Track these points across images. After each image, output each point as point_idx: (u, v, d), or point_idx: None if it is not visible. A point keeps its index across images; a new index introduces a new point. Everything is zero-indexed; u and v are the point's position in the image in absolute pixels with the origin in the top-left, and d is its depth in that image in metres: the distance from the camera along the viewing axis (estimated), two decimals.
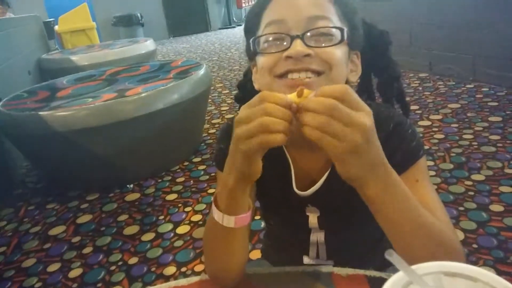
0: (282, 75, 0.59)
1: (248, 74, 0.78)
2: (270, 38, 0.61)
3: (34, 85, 3.17)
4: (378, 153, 0.47)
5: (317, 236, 0.73)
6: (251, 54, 0.67)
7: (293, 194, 0.69)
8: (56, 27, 5.58)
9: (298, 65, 0.57)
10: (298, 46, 0.57)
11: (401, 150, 0.61)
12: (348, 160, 0.46)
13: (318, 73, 0.58)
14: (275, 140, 0.46)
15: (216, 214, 0.56)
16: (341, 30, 0.59)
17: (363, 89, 0.79)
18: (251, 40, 0.63)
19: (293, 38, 0.58)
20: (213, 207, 0.57)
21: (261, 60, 0.62)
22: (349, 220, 0.71)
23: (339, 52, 0.60)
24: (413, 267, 0.36)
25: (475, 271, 0.36)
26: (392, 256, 0.35)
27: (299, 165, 0.69)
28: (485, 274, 0.35)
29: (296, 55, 0.57)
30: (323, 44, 0.58)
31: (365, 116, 0.45)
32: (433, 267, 0.37)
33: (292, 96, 0.47)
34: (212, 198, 0.58)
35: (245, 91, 0.79)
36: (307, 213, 0.71)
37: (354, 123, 0.44)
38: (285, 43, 0.59)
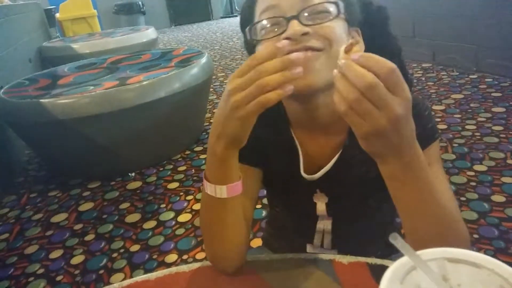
0: None
1: None
2: (266, 24, 0.61)
3: (35, 73, 3.15)
4: (407, 139, 0.45)
5: (324, 224, 0.73)
6: (250, 47, 0.67)
7: (301, 179, 0.69)
8: (57, 15, 5.54)
9: (298, 45, 0.57)
10: (295, 26, 0.57)
11: (416, 132, 0.60)
12: (371, 140, 0.45)
13: (318, 50, 0.57)
14: (275, 97, 0.46)
15: (208, 187, 0.56)
16: (336, 3, 0.59)
17: None
18: (247, 29, 0.62)
19: (289, 19, 0.58)
20: (204, 181, 0.57)
21: (260, 48, 0.62)
22: (358, 207, 0.71)
23: (337, 27, 0.59)
24: (417, 252, 0.36)
25: (480, 257, 0.35)
26: (396, 240, 0.34)
27: (307, 150, 0.69)
28: (490, 260, 0.35)
29: (295, 35, 0.56)
30: (320, 21, 0.58)
31: (400, 103, 0.42)
32: (436, 253, 0.36)
33: (340, 52, 0.45)
34: (202, 175, 0.58)
35: None
36: (315, 201, 0.71)
37: (386, 108, 0.42)
38: (282, 26, 0.58)
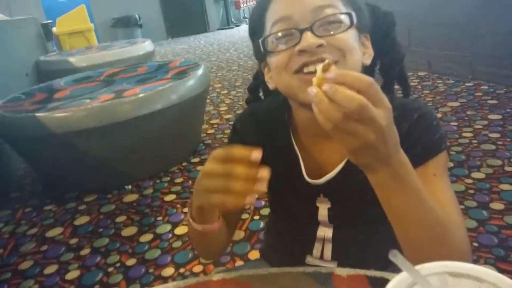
0: (298, 70, 0.58)
1: (258, 77, 0.78)
2: (279, 36, 0.60)
3: (31, 87, 3.15)
4: (393, 148, 0.46)
5: (325, 232, 0.72)
6: (261, 56, 0.66)
7: (303, 184, 0.69)
8: (54, 29, 5.56)
9: (313, 57, 0.57)
10: (309, 38, 0.56)
11: (423, 142, 0.60)
12: (360, 153, 0.46)
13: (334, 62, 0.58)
14: (233, 205, 0.49)
15: (189, 216, 0.61)
16: (349, 15, 0.58)
17: (367, 73, 0.78)
18: (260, 41, 0.62)
19: (302, 31, 0.57)
20: (188, 210, 0.61)
21: (273, 59, 0.62)
22: (360, 217, 0.70)
23: (350, 38, 0.59)
24: (417, 267, 0.35)
25: (481, 271, 0.34)
26: (396, 257, 0.33)
27: (314, 155, 0.69)
28: (491, 274, 0.34)
29: (309, 47, 0.56)
30: (333, 32, 0.58)
31: (383, 115, 0.43)
32: (437, 267, 0.35)
33: (318, 71, 0.45)
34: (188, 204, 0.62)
35: (257, 94, 0.82)
36: (317, 204, 0.70)
37: (372, 123, 0.42)
38: (295, 38, 0.58)
